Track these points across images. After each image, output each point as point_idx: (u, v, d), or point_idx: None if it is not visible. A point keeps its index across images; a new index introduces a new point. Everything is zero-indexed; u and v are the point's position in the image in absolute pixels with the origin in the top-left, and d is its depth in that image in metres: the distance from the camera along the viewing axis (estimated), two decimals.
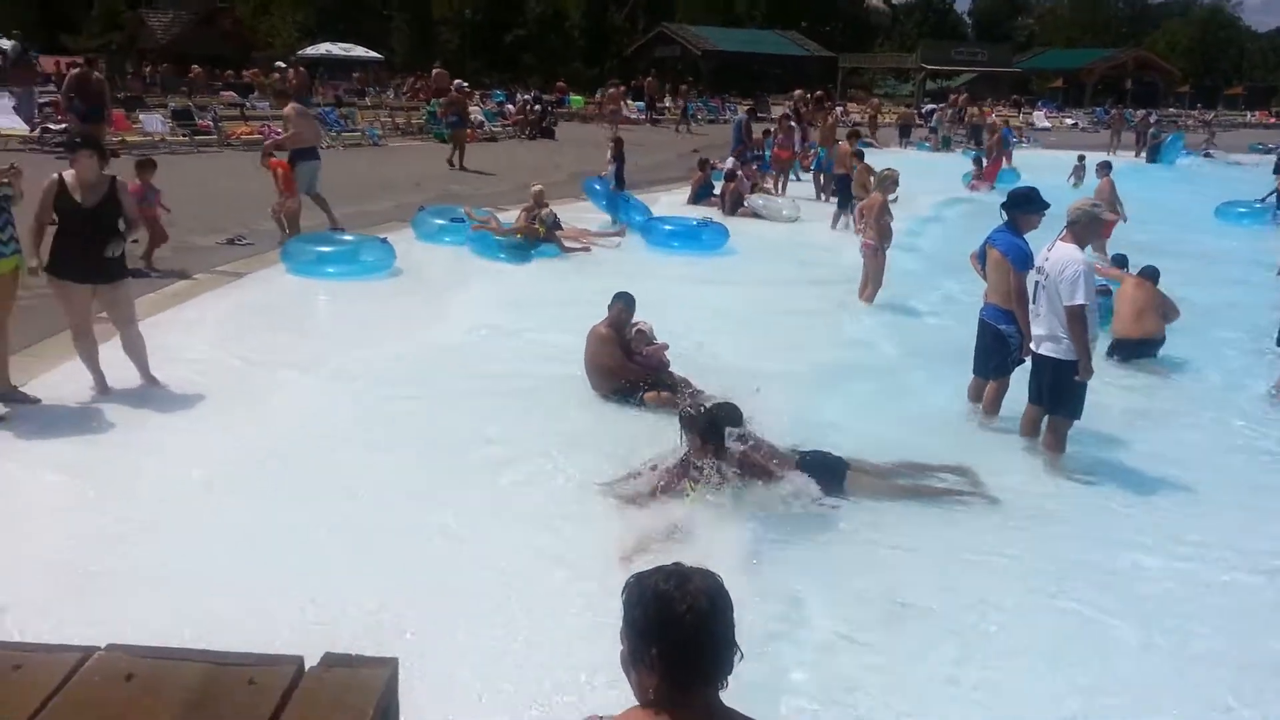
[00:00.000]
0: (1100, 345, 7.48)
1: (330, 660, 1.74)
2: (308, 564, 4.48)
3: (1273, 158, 23.18)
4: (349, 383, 7.22)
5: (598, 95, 37.04)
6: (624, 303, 7.27)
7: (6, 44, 32.65)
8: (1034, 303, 6.23)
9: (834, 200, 16.21)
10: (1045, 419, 6.34)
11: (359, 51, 38.20)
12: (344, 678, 1.69)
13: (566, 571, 4.56)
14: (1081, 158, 21.67)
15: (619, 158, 15.74)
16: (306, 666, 1.72)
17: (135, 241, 6.99)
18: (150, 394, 6.66)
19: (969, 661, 4.12)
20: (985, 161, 22.15)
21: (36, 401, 6.31)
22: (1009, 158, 23.25)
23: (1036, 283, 6.20)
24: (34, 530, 4.66)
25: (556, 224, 12.63)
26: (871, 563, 4.92)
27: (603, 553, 4.67)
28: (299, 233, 11.64)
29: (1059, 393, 6.14)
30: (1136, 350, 8.59)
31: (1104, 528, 5.46)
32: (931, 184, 19.66)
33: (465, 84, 26.07)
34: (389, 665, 1.74)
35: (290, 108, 13.30)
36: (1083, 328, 5.90)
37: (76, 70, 15.33)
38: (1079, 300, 5.83)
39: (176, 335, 7.93)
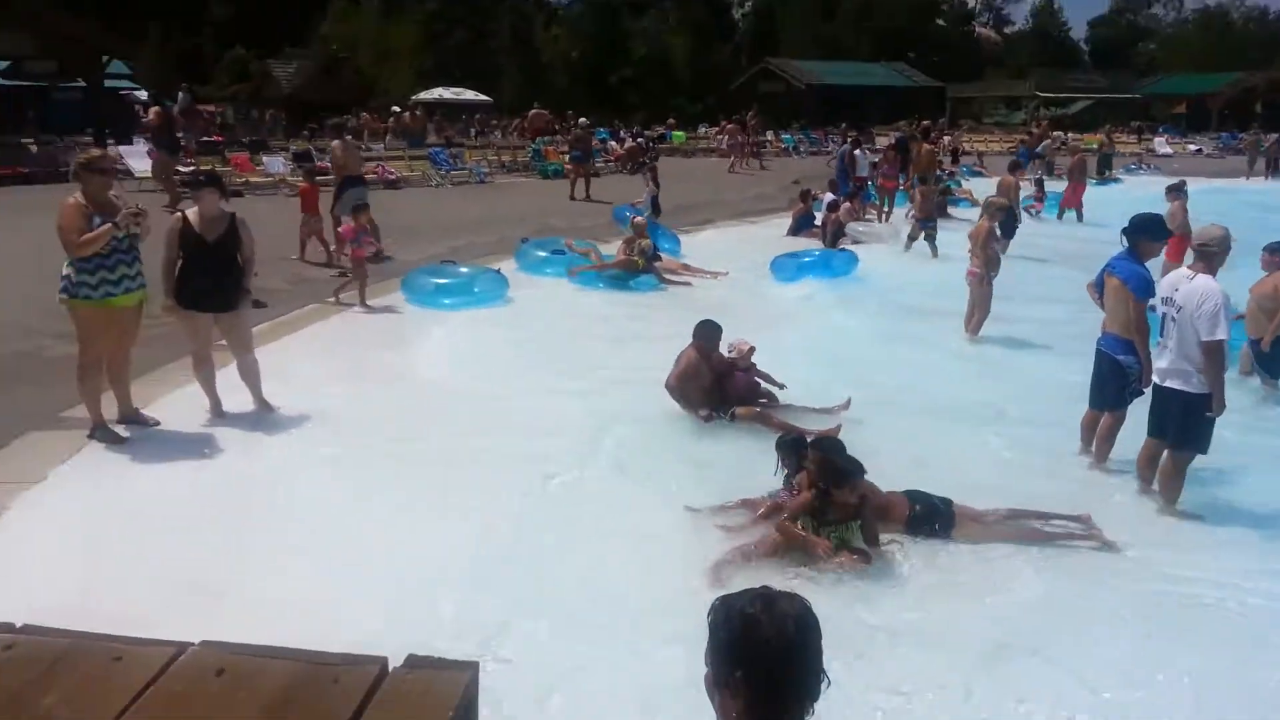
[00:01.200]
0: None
1: (413, 662, 1.75)
2: (417, 578, 4.59)
3: None
4: (453, 404, 7.40)
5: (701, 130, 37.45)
6: (704, 330, 7.30)
7: (144, 95, 35.04)
8: (1161, 334, 5.95)
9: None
10: (1165, 454, 6.00)
11: (469, 95, 39.58)
12: (425, 679, 1.70)
13: (657, 592, 4.54)
14: (1182, 182, 20.67)
15: (655, 184, 15.78)
16: (390, 668, 1.74)
17: (257, 274, 7.33)
18: (263, 418, 6.95)
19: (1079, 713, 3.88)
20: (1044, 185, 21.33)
21: (156, 424, 6.67)
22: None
23: (1165, 314, 5.91)
24: (152, 546, 4.88)
25: (655, 256, 12.71)
26: (976, 610, 4.70)
27: (694, 575, 4.63)
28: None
29: (1186, 428, 5.82)
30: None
31: (1221, 572, 5.12)
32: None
33: (587, 121, 26.81)
34: (469, 669, 1.74)
35: (336, 143, 14.23)
36: (1221, 364, 5.66)
37: (156, 109, 16.56)
38: (1219, 336, 5.56)
39: (290, 361, 8.27)
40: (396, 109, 32.78)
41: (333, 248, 12.51)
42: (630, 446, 6.65)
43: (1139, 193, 20.79)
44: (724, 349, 7.44)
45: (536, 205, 19.22)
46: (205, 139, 22.48)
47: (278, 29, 51.61)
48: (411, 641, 1.93)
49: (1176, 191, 13.27)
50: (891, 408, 7.54)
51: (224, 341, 7.05)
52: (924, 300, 11.72)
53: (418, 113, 30.25)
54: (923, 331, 10.36)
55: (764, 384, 7.50)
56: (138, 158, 19.89)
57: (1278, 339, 8.17)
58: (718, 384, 7.27)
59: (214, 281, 6.70)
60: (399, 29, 53.10)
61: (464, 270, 11.69)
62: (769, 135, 34.87)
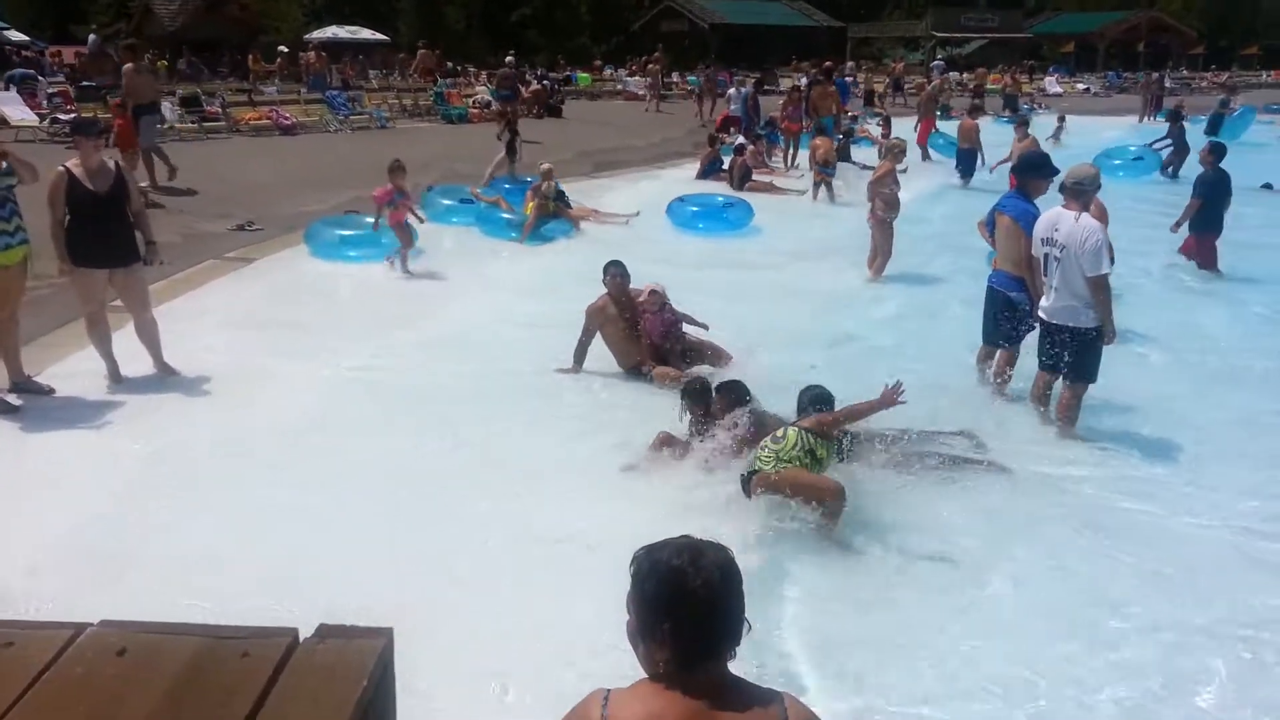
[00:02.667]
0: None
1: (324, 631, 1.74)
2: (319, 544, 4.51)
3: None
4: (365, 368, 7.26)
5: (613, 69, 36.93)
6: (616, 270, 7.21)
7: (17, 37, 32.73)
8: (1046, 274, 6.11)
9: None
10: (1061, 385, 6.27)
11: (365, 34, 38.07)
12: (338, 648, 1.69)
13: (574, 548, 4.57)
14: (1061, 118, 22.45)
15: (513, 132, 15.37)
16: (301, 638, 1.72)
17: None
18: (163, 381, 6.71)
19: (971, 627, 4.13)
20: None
21: (50, 391, 6.37)
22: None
23: (1047, 254, 6.07)
24: (45, 516, 4.72)
25: (563, 199, 12.57)
26: (876, 529, 4.91)
27: (608, 528, 4.69)
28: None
29: (1079, 362, 6.07)
30: None
31: (1115, 492, 5.44)
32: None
33: (514, 59, 26.26)
34: (384, 635, 1.74)
35: (127, 68, 13.99)
36: (1107, 295, 5.86)
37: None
38: (1104, 270, 5.78)
39: (188, 322, 7.98)
40: (284, 48, 31.31)
41: (144, 183, 12.09)
42: (548, 405, 6.63)
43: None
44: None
45: (441, 151, 18.73)
46: (51, 93, 20.90)
47: None
48: (322, 612, 1.92)
49: (1023, 128, 14.84)
50: (795, 348, 7.68)
51: (118, 301, 6.73)
52: (824, 245, 11.91)
53: (322, 53, 28.89)
54: (824, 275, 10.53)
55: (686, 325, 7.34)
56: (11, 104, 18.66)
57: None
58: (634, 327, 7.18)
59: (106, 235, 6.40)
60: None
61: (369, 220, 11.36)
62: (674, 76, 34.58)
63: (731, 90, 24.54)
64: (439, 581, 4.22)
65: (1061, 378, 6.24)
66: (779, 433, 5.03)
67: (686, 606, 1.84)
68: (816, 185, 15.27)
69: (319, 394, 6.72)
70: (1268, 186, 15.97)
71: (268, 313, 8.64)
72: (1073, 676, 3.81)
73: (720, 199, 13.66)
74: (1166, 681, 3.78)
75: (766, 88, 28.11)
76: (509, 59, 25.61)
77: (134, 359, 6.79)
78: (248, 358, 7.28)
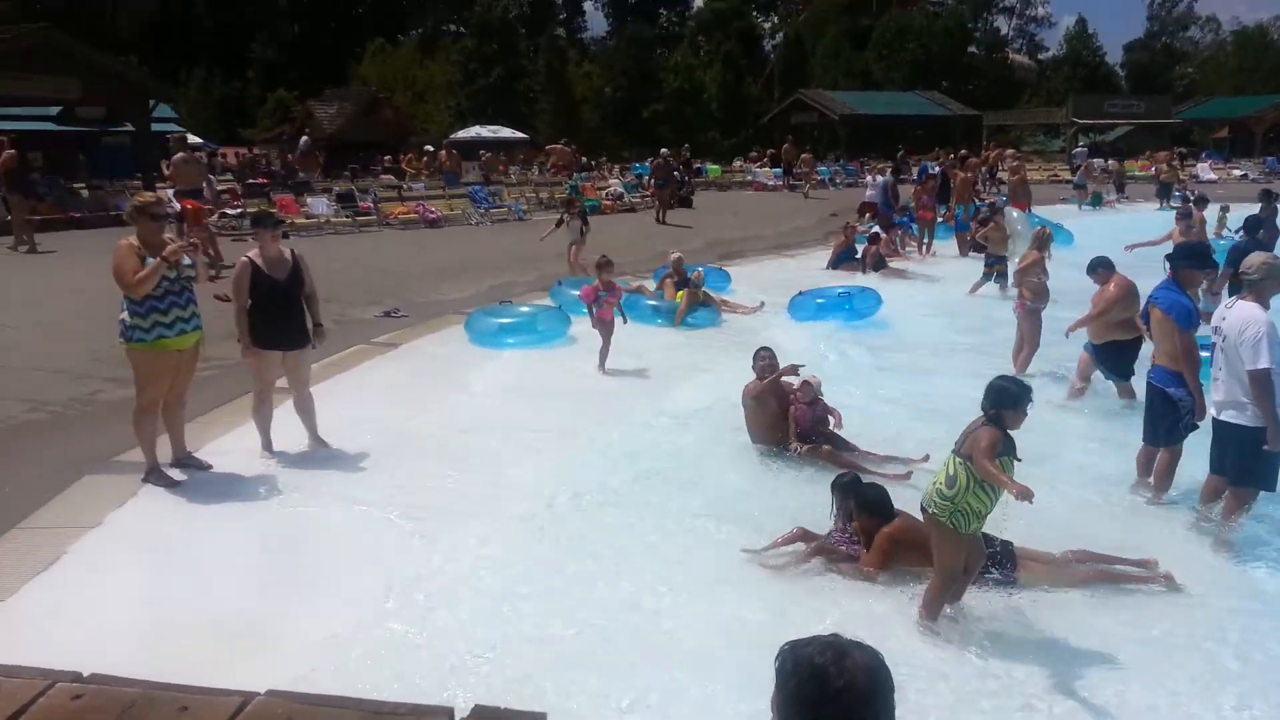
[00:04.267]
0: None
1: (481, 713, 1.76)
2: (476, 627, 4.61)
3: None
4: (507, 442, 7.47)
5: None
6: (767, 354, 7.43)
7: (193, 139, 36.00)
8: (1215, 365, 5.77)
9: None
10: (1227, 490, 5.84)
11: (505, 132, 40.16)
12: None
13: (720, 638, 4.51)
14: (1225, 208, 20.32)
15: (583, 223, 15.09)
16: (457, 718, 1.75)
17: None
18: (315, 455, 7.06)
19: None
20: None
21: (209, 467, 6.76)
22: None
23: (1215, 344, 5.76)
24: (210, 591, 4.93)
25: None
26: (1042, 652, 4.62)
27: (759, 620, 4.61)
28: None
29: (1245, 463, 5.66)
30: None
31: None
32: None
33: (669, 151, 27.37)
34: (538, 719, 1.75)
35: (177, 157, 15.85)
36: (1268, 393, 5.45)
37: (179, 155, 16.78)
38: (1262, 365, 5.39)
39: (339, 401, 8.37)
40: (430, 148, 33.32)
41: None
42: (694, 485, 6.69)
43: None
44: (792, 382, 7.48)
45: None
46: (256, 181, 22.93)
47: (319, 70, 52.98)
48: (475, 694, 1.95)
49: (1185, 219, 13.89)
50: (945, 450, 7.43)
51: (281, 379, 7.16)
52: (964, 336, 11.60)
53: (453, 151, 30.70)
54: (969, 368, 10.14)
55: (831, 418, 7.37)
56: None
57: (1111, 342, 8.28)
58: (783, 415, 7.32)
59: (285, 320, 6.92)
60: (436, 68, 54.21)
61: (525, 309, 11.81)
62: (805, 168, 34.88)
63: (868, 178, 24.59)
64: (592, 670, 4.24)
65: (1228, 481, 5.81)
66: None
67: (829, 709, 1.77)
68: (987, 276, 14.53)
69: (463, 470, 6.88)
70: None
71: (411, 391, 8.95)
72: None
73: (839, 289, 13.05)
74: None
75: (902, 176, 27.90)
76: (663, 151, 26.69)
77: (289, 434, 7.15)
78: (395, 432, 7.57)
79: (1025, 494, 4.18)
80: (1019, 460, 4.56)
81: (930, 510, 4.68)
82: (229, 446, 7.19)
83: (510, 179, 30.22)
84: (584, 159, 33.86)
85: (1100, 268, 8.60)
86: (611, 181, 29.59)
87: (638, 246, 18.57)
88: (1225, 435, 5.74)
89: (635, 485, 6.66)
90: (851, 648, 1.85)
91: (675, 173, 28.30)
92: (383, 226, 21.58)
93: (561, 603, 4.89)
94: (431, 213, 22.66)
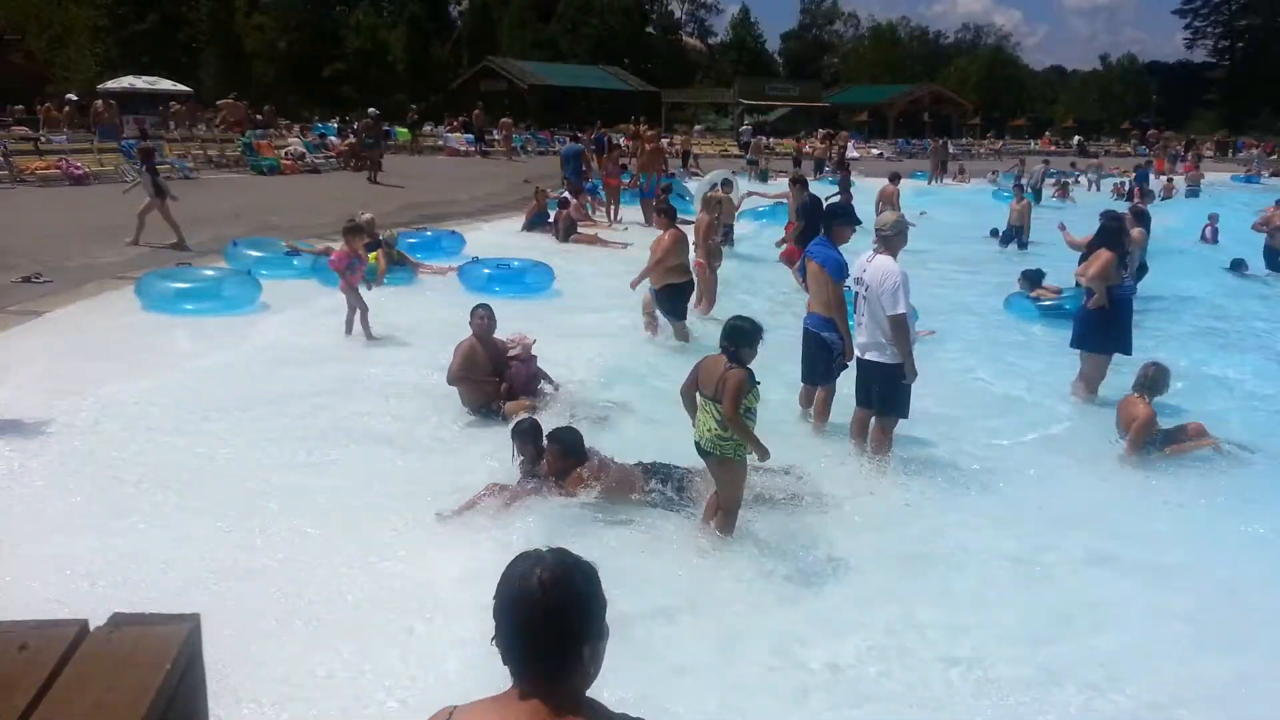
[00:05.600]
0: None
1: (119, 619, 1.63)
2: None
3: None
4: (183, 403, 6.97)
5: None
6: (485, 311, 7.36)
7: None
8: (858, 312, 6.55)
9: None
10: (873, 420, 6.67)
11: (165, 84, 36.18)
12: (134, 636, 1.59)
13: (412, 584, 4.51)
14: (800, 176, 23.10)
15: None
16: (92, 628, 1.61)
17: None
18: None
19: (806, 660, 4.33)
20: None
21: None
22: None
23: (856, 294, 6.52)
24: None
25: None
26: (692, 564, 5.06)
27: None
28: None
29: (887, 396, 6.48)
30: None
31: (925, 520, 5.84)
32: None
33: (377, 110, 26.11)
34: (188, 621, 1.64)
35: None
36: (905, 335, 6.28)
37: None
38: (900, 310, 6.18)
39: None
40: (73, 97, 29.39)
41: None
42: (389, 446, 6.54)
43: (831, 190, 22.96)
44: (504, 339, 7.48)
45: (251, 203, 18.01)
46: None
47: None
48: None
49: (895, 178, 16.28)
50: (631, 389, 7.86)
51: None
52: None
53: (111, 102, 27.24)
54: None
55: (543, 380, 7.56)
56: None
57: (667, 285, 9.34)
58: (496, 374, 7.29)
59: None
60: (78, 9, 47.49)
61: (209, 273, 10.85)
62: (496, 135, 34.83)
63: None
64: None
65: (873, 412, 6.64)
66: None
67: (513, 613, 1.75)
68: None
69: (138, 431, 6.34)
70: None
71: (51, 367, 7.98)
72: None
73: (516, 262, 12.40)
74: None
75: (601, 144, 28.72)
76: (372, 111, 25.68)
77: None
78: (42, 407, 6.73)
79: (764, 455, 4.83)
80: (759, 383, 4.97)
81: (716, 452, 4.98)
82: None
83: (172, 133, 27.41)
84: (258, 116, 31.43)
85: (662, 214, 9.83)
86: (291, 140, 27.75)
87: (320, 209, 17.63)
88: (869, 372, 6.56)
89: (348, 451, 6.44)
90: (553, 555, 1.81)
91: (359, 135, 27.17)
92: (16, 183, 18.78)
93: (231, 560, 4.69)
94: (77, 168, 20.03)
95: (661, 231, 9.49)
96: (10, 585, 4.35)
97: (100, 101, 27.09)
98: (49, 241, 12.82)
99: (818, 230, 12.03)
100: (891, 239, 6.48)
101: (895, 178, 19.46)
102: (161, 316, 9.79)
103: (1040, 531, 5.68)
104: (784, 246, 13.64)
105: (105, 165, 21.02)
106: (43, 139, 23.26)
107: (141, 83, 35.20)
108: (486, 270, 11.92)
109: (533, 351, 7.51)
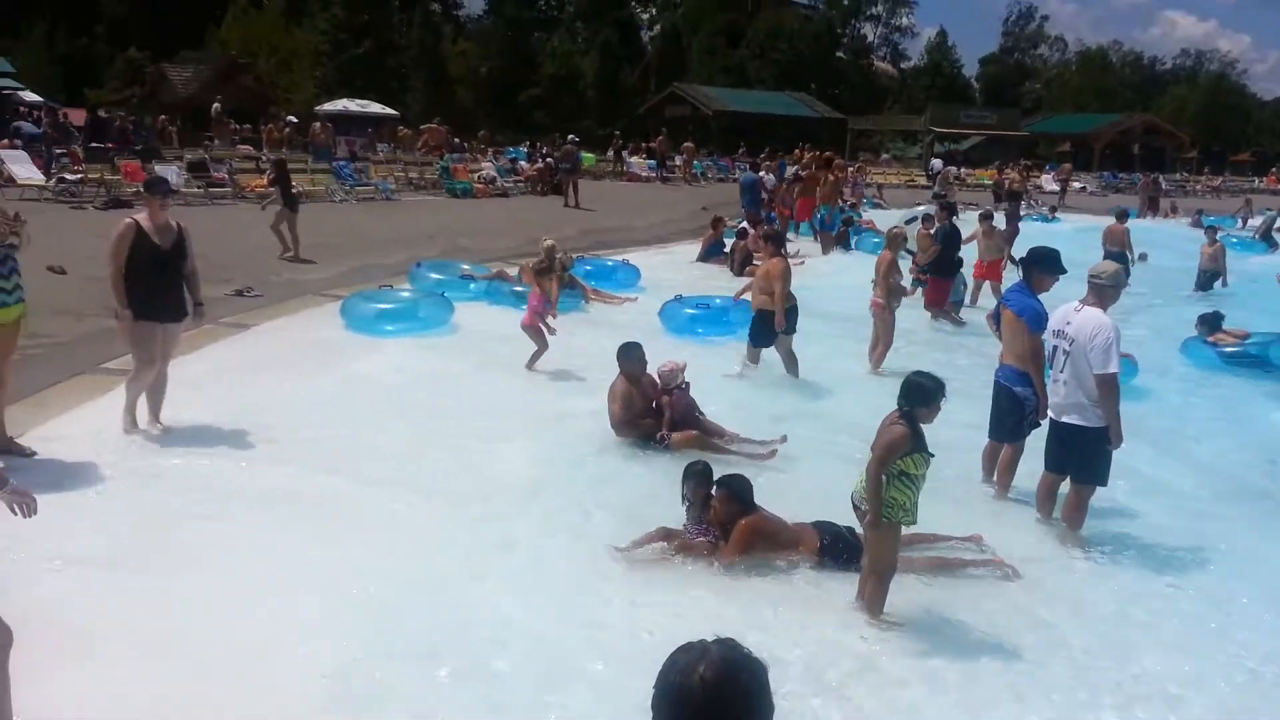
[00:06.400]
0: None
1: None
2: (305, 602, 4.46)
3: None
4: (376, 439, 7.14)
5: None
6: (623, 355, 7.29)
7: (31, 97, 33.31)
8: (1056, 368, 6.00)
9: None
10: (1068, 486, 6.11)
11: (375, 108, 38.81)
12: None
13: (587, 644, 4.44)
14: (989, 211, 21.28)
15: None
16: None
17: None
18: (159, 439, 6.65)
19: None
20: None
21: (32, 454, 6.17)
22: None
23: (1056, 347, 5.99)
24: (27, 585, 4.50)
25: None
26: (884, 636, 4.75)
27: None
28: None
29: (1086, 462, 5.93)
30: None
31: (1118, 600, 5.30)
32: None
33: (575, 138, 28.12)
34: None
35: None
36: (1115, 396, 5.72)
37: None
38: (1112, 369, 5.64)
39: (177, 385, 7.82)
40: (292, 119, 31.87)
41: None
42: (565, 486, 6.51)
43: (1029, 229, 21.70)
44: (652, 372, 7.43)
45: (444, 224, 18.87)
46: (59, 152, 21.12)
47: (173, 29, 49.84)
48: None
49: (986, 219, 14.18)
50: (798, 441, 7.56)
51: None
52: (828, 337, 11.83)
53: (328, 125, 29.44)
54: (827, 363, 10.33)
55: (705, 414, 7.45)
56: (20, 163, 18.77)
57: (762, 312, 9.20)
58: (653, 409, 7.24)
59: (166, 291, 6.65)
60: (303, 35, 51.80)
61: (406, 295, 11.34)
62: (678, 160, 35.16)
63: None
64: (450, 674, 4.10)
65: (1071, 479, 6.08)
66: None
67: (669, 708, 1.72)
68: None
69: (309, 451, 6.57)
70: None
71: (253, 378, 8.41)
72: None
73: (717, 300, 11.89)
74: None
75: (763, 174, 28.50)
76: (571, 137, 27.22)
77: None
78: (238, 420, 7.11)
79: (894, 519, 4.59)
80: (932, 455, 4.65)
81: (863, 507, 4.73)
82: (57, 432, 6.61)
83: (378, 156, 29.23)
84: (456, 140, 33.08)
85: (769, 240, 9.94)
86: (484, 165, 29.01)
87: (507, 233, 18.23)
88: (1066, 437, 5.98)
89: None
90: (717, 647, 1.77)
91: (548, 160, 28.08)
92: (237, 200, 20.48)
93: (429, 606, 4.70)
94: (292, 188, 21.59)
95: (767, 259, 9.64)
96: None
97: (318, 124, 29.25)
98: (260, 257, 13.82)
99: (953, 258, 11.88)
100: (1105, 290, 5.92)
101: (1123, 215, 17.43)
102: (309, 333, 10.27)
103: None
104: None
105: (316, 184, 22.57)
106: (264, 159, 25.29)
107: (355, 105, 37.92)
108: (689, 310, 11.34)
109: (686, 377, 7.40)
